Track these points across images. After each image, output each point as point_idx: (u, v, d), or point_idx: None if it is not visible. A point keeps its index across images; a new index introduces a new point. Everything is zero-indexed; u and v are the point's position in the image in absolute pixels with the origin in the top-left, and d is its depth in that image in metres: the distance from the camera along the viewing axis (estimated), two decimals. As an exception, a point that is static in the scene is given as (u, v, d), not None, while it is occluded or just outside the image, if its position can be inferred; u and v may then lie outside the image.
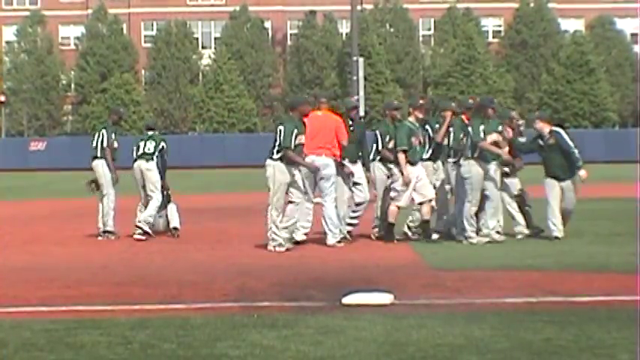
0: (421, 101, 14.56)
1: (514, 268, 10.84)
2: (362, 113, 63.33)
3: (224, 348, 6.73)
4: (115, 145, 15.37)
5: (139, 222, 15.04)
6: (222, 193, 30.09)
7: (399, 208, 13.83)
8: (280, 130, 13.04)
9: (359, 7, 66.41)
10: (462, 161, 13.58)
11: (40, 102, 69.23)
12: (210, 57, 69.94)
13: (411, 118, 14.02)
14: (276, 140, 13.07)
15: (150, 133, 16.16)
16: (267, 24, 72.63)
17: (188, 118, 68.98)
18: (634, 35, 72.19)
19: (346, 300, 8.46)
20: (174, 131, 68.28)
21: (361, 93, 63.72)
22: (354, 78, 63.09)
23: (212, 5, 73.34)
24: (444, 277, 10.14)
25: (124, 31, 71.92)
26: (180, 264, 11.91)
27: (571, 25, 72.80)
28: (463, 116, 14.09)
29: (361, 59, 64.41)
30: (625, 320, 7.51)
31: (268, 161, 13.12)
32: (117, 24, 71.03)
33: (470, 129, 13.55)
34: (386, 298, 8.52)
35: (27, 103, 69.25)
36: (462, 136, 13.81)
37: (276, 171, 12.99)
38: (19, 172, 51.15)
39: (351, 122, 13.98)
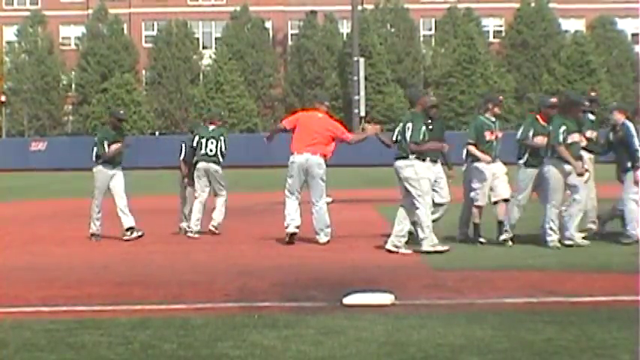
0: (500, 97, 14.38)
1: (515, 268, 10.83)
2: (362, 113, 63.65)
3: (225, 348, 6.72)
4: (113, 147, 15.10)
5: (214, 226, 15.38)
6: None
7: (478, 207, 13.47)
8: (409, 127, 12.66)
9: (359, 7, 66.43)
10: (544, 162, 13.06)
11: (40, 102, 69.26)
12: (210, 57, 69.96)
13: (488, 114, 13.72)
14: (403, 138, 12.67)
15: (211, 128, 15.93)
16: (268, 24, 72.65)
17: (189, 119, 68.96)
18: (635, 35, 72.15)
19: (347, 300, 8.45)
20: (174, 131, 68.34)
21: (362, 93, 63.85)
22: (355, 78, 63.20)
23: (213, 5, 73.36)
24: (444, 278, 10.14)
25: (125, 31, 71.96)
26: (180, 264, 11.91)
27: (572, 25, 72.81)
28: (538, 116, 13.59)
29: (362, 59, 64.54)
30: (626, 320, 7.50)
31: (404, 162, 12.68)
32: (117, 24, 71.08)
33: (550, 128, 13.06)
34: (387, 299, 8.52)
35: (27, 103, 69.27)
36: (530, 133, 13.39)
37: (417, 169, 12.62)
38: (19, 173, 51.14)
39: (430, 121, 13.47)
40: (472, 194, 13.54)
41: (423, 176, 12.62)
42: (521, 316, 7.81)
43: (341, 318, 7.76)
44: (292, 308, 8.35)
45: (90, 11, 72.32)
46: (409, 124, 12.71)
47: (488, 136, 13.56)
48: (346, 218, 18.07)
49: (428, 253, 12.28)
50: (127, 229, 15.03)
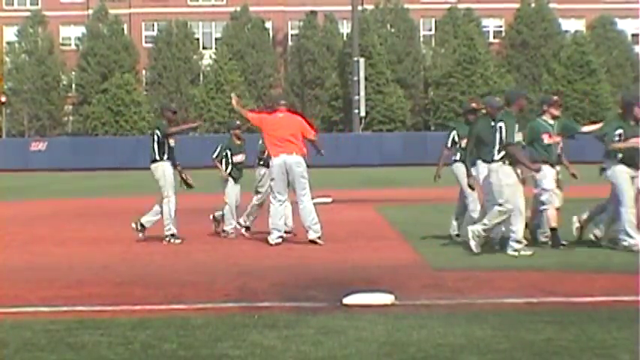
0: (555, 97, 13.49)
1: (515, 269, 10.83)
2: (362, 114, 63.68)
3: (225, 348, 6.72)
4: (172, 143, 14.71)
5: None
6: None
7: (557, 210, 12.78)
8: (501, 127, 12.09)
9: (360, 8, 66.52)
10: (606, 164, 12.66)
11: (40, 102, 69.33)
12: (210, 57, 70.03)
13: (545, 116, 13.03)
14: (496, 139, 12.13)
15: None
16: (268, 24, 72.73)
17: (189, 119, 69.01)
18: (635, 36, 72.29)
19: (347, 300, 8.45)
20: (175, 131, 68.29)
21: (362, 93, 63.92)
22: (355, 78, 63.28)
23: (213, 5, 73.42)
24: (444, 278, 10.14)
25: (125, 32, 72.05)
26: (181, 264, 11.91)
27: (572, 26, 72.89)
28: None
29: (362, 59, 64.63)
30: (626, 320, 7.50)
31: (489, 165, 12.24)
32: (117, 24, 71.16)
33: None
34: (387, 299, 8.52)
35: (28, 103, 69.34)
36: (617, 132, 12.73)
37: (501, 175, 12.09)
38: (19, 173, 51.18)
39: (493, 122, 12.68)
40: (543, 198, 12.83)
41: (507, 183, 12.06)
42: (521, 316, 7.81)
43: (341, 318, 7.76)
44: (292, 308, 8.34)
45: (90, 11, 72.39)
46: (501, 124, 12.13)
47: (546, 139, 12.86)
48: (346, 218, 18.09)
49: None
50: (170, 235, 14.53)
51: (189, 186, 15.17)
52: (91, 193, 30.26)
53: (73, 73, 71.10)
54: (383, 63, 67.73)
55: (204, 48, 72.55)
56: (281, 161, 13.91)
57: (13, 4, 74.09)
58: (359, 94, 62.41)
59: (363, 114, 63.32)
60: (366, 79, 64.33)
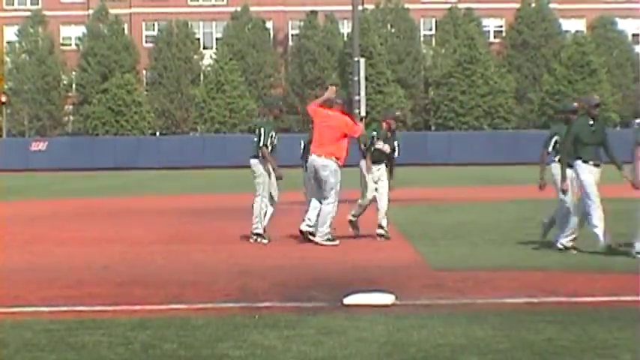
0: None
1: (515, 268, 10.83)
2: (363, 114, 63.64)
3: (225, 348, 6.72)
4: (275, 141, 14.41)
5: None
6: (223, 193, 30.10)
7: None
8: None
9: (360, 8, 66.44)
10: None
11: (41, 102, 69.34)
12: (211, 57, 70.05)
13: None
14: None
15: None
16: (269, 24, 72.74)
17: (189, 119, 69.05)
18: (635, 35, 72.29)
19: (348, 300, 8.44)
20: (175, 132, 68.36)
21: (362, 93, 63.69)
22: (355, 78, 62.99)
23: (213, 5, 73.42)
24: (445, 278, 10.13)
25: (125, 32, 72.06)
26: (181, 264, 11.90)
27: (572, 26, 72.89)
28: None
29: (362, 59, 64.07)
30: (627, 320, 7.50)
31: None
32: (118, 24, 71.18)
33: None
34: (387, 299, 8.51)
35: (28, 103, 69.35)
36: None
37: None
38: (20, 173, 51.18)
39: (592, 122, 12.46)
40: None
41: None
42: (522, 316, 7.80)
43: (341, 318, 7.76)
44: (293, 308, 8.34)
45: (90, 11, 72.41)
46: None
47: None
48: (346, 218, 18.03)
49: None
50: (257, 235, 14.37)
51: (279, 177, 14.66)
52: (91, 193, 30.26)
53: (74, 73, 71.12)
54: (383, 63, 67.76)
55: (204, 48, 72.57)
56: (310, 160, 14.04)
57: (13, 4, 74.10)
58: (359, 94, 62.13)
59: (363, 114, 63.22)
60: (366, 79, 63.96)
